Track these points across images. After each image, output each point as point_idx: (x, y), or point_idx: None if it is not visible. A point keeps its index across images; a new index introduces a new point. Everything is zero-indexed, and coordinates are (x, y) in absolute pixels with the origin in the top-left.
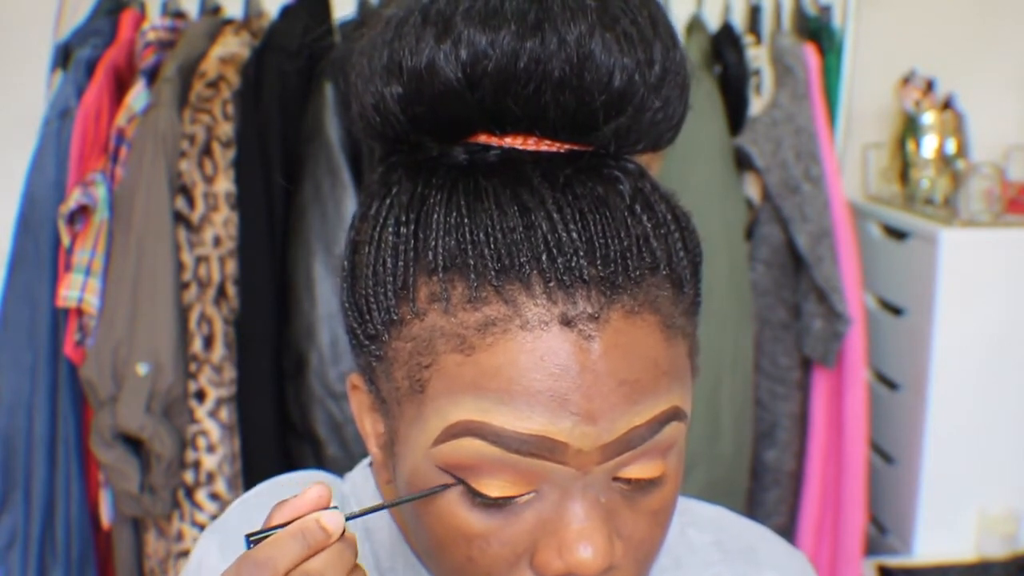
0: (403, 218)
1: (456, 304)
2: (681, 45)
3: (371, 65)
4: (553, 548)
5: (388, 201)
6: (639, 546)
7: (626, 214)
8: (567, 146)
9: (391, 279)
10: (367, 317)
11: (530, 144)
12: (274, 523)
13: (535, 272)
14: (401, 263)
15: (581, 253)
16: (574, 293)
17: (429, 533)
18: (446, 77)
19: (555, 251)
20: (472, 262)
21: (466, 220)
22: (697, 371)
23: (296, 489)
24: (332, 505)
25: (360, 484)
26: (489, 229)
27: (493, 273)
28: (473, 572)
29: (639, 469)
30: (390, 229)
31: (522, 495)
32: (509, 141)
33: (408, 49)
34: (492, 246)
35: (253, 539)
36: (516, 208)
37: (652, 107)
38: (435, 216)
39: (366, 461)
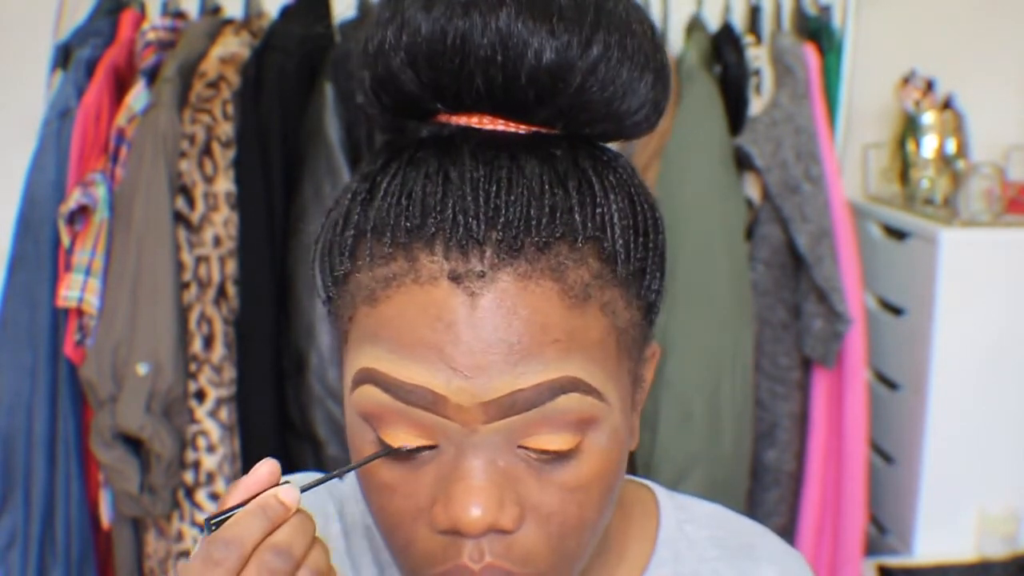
0: (360, 188)
1: (374, 261)
2: (649, 31)
3: (355, 55)
4: (443, 503)
5: (357, 174)
6: (549, 519)
7: (547, 186)
8: (525, 127)
9: (339, 240)
10: (324, 276)
11: (485, 123)
12: (229, 504)
13: (440, 233)
14: (349, 226)
15: (482, 216)
16: (468, 252)
17: (359, 480)
18: (392, 58)
19: (460, 215)
20: (392, 223)
21: (399, 187)
22: (632, 355)
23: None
24: (283, 481)
25: None
26: (412, 194)
27: (404, 233)
28: (384, 521)
29: (545, 440)
30: (348, 196)
31: (423, 449)
32: (465, 120)
33: (370, 35)
34: (410, 209)
35: (213, 522)
36: (441, 178)
37: (593, 88)
38: (382, 185)
39: None
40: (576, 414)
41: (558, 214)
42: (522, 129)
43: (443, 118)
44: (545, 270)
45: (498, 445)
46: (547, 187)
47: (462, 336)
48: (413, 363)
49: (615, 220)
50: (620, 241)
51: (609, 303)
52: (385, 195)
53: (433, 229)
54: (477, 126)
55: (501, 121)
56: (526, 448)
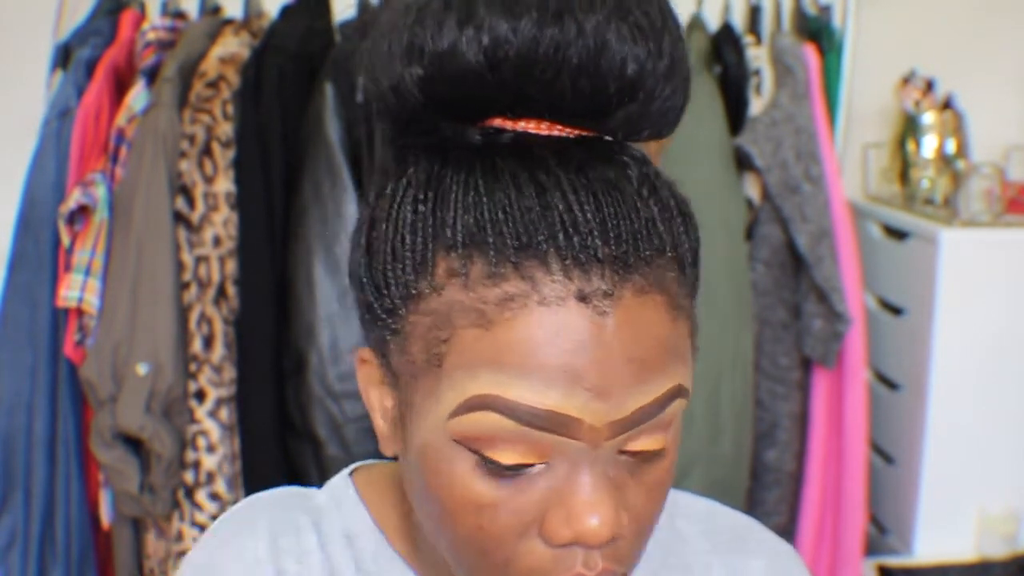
0: (421, 196)
1: (475, 279)
2: (684, 38)
3: (390, 47)
4: (562, 517)
5: (405, 180)
6: (639, 518)
7: (635, 198)
8: (576, 131)
9: (409, 254)
10: (384, 291)
11: (543, 128)
12: None
13: (552, 250)
14: (420, 239)
15: (596, 232)
16: (589, 271)
17: (440, 503)
18: (467, 61)
19: (571, 230)
20: (491, 239)
21: (484, 199)
22: (696, 351)
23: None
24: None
25: (340, 490)
26: (507, 207)
27: (512, 250)
28: (482, 541)
29: (643, 442)
30: (408, 207)
31: (533, 465)
32: (523, 125)
33: (430, 33)
34: (510, 224)
35: None
36: (533, 188)
37: (661, 96)
38: (453, 194)
39: (347, 469)
40: (672, 416)
41: (651, 225)
42: (574, 134)
43: (497, 122)
44: (654, 283)
45: (609, 456)
46: (635, 199)
47: (596, 357)
48: (546, 388)
49: (681, 229)
50: (686, 247)
51: (687, 308)
52: (467, 208)
53: (545, 246)
54: (534, 131)
55: (557, 126)
56: (625, 452)
